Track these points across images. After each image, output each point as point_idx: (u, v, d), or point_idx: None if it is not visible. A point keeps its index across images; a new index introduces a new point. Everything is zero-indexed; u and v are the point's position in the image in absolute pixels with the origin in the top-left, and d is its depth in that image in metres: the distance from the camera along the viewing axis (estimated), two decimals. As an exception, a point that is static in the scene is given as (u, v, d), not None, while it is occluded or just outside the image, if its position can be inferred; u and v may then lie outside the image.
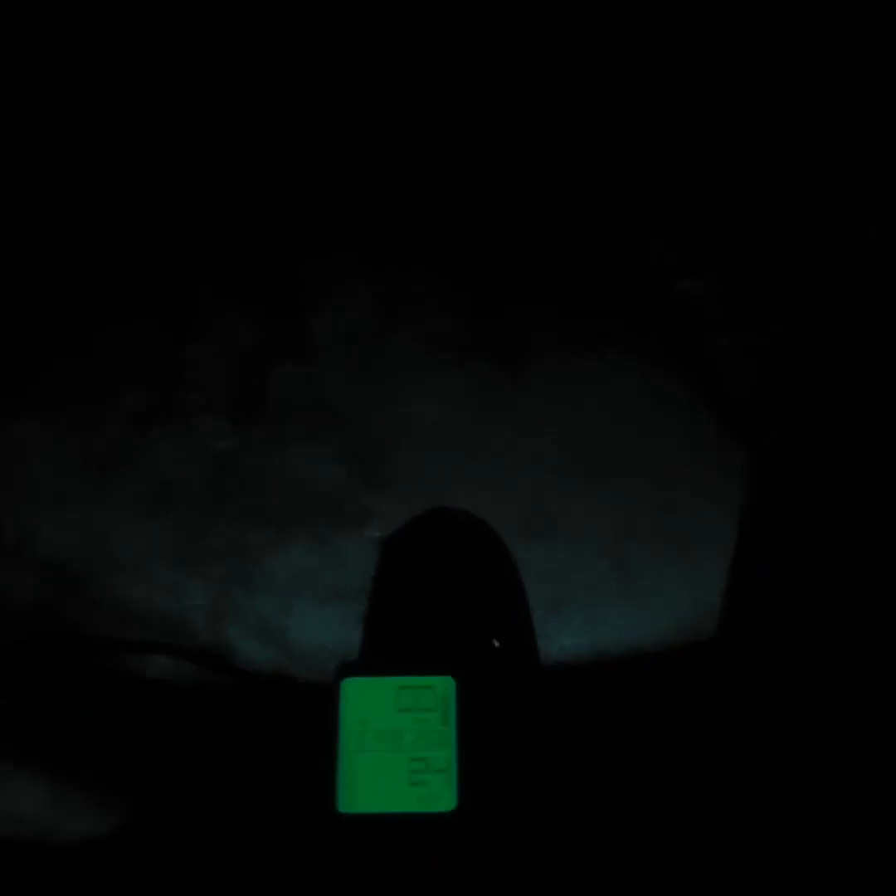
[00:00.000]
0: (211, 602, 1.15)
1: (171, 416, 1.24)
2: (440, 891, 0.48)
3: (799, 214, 1.34)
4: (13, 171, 1.33)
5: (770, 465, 1.17)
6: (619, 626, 1.16)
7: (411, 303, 1.32)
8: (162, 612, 1.12)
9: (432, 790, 0.51)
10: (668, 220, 1.37)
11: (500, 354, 1.29)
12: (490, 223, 1.37)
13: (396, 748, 0.53)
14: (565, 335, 1.31)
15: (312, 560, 1.19)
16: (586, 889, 0.57)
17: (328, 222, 1.38)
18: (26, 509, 1.17)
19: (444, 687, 0.54)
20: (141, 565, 1.15)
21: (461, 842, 0.50)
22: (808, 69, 1.38)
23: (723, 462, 1.23)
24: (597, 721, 0.71)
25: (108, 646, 0.84)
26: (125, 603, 1.12)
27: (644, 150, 1.39)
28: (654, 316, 1.32)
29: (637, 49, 1.41)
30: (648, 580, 1.20)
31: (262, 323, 1.30)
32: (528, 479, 1.24)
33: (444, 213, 1.38)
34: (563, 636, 1.16)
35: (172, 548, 1.16)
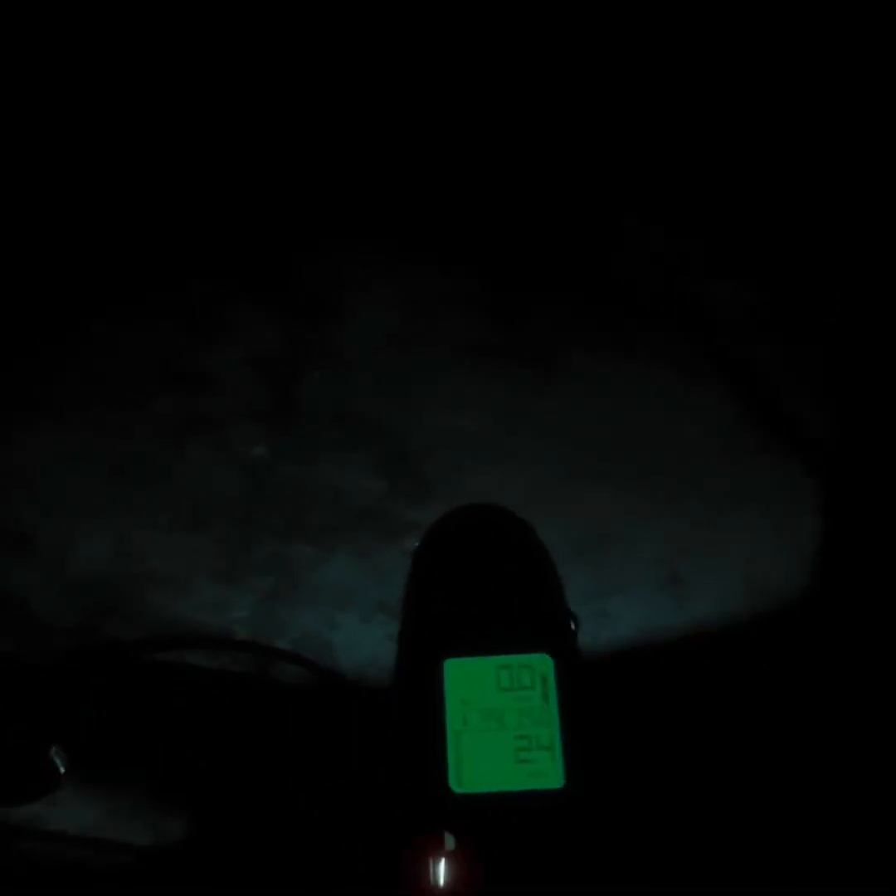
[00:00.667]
0: (254, 617, 1.12)
1: (203, 425, 1.21)
2: (551, 868, 0.47)
3: (806, 219, 1.34)
4: (40, 178, 1.33)
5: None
6: (668, 632, 1.14)
7: (439, 307, 1.31)
8: (205, 628, 1.09)
9: (539, 767, 0.50)
10: (689, 221, 1.37)
11: (531, 360, 1.28)
12: (514, 222, 1.38)
13: (500, 727, 0.51)
14: (595, 338, 1.30)
15: (356, 573, 1.16)
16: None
17: (351, 227, 1.38)
18: (58, 524, 1.13)
19: (542, 664, 0.53)
20: (181, 580, 1.12)
21: (570, 818, 0.48)
22: (810, 76, 1.39)
23: (763, 470, 1.21)
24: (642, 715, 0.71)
25: (168, 647, 0.81)
26: (166, 620, 1.09)
27: (664, 158, 1.40)
28: (684, 319, 1.31)
29: (648, 57, 1.43)
30: (701, 594, 1.17)
31: (290, 328, 1.29)
32: (572, 490, 1.22)
33: (465, 213, 1.38)
34: (611, 647, 1.14)
35: (212, 561, 1.13)
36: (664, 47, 1.43)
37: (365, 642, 1.12)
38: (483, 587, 0.64)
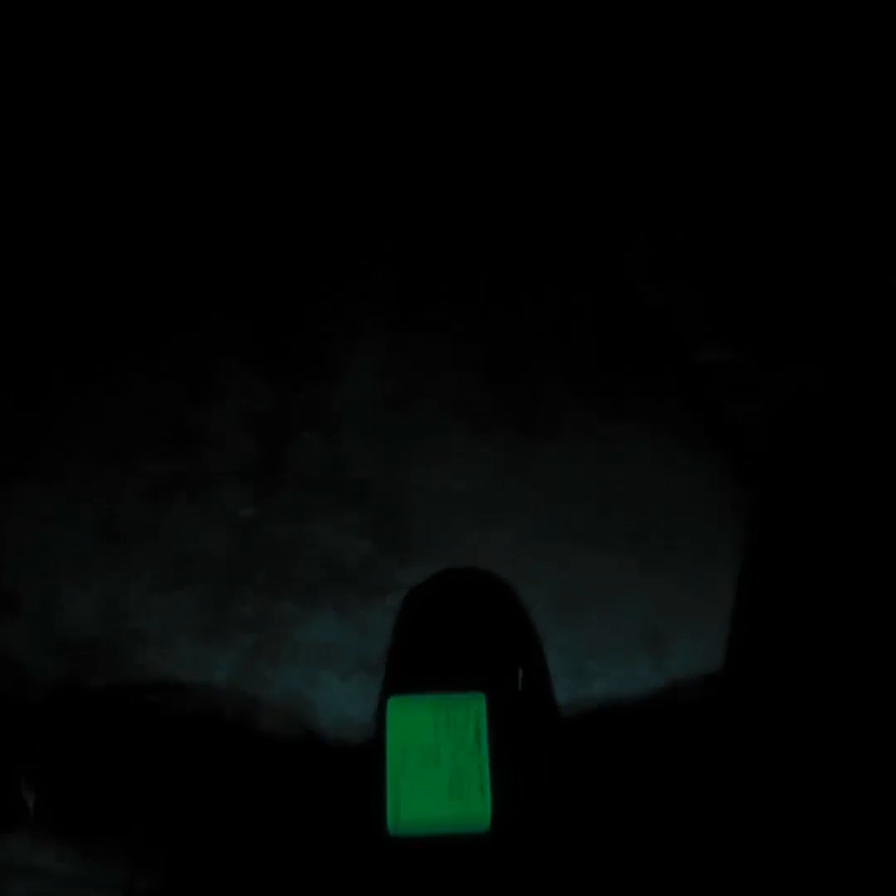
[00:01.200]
0: (236, 675, 1.12)
1: (193, 483, 1.24)
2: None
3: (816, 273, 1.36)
4: (34, 241, 1.36)
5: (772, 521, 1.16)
6: (644, 690, 1.13)
7: (430, 367, 1.33)
8: (187, 685, 1.10)
9: (470, 808, 0.51)
10: (690, 282, 1.39)
11: (520, 419, 1.30)
12: (506, 286, 1.39)
13: (436, 764, 0.52)
14: (584, 398, 1.32)
15: (338, 631, 1.17)
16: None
17: (345, 286, 1.40)
18: (45, 580, 1.15)
19: (475, 704, 0.55)
20: (165, 638, 1.13)
21: (497, 858, 0.49)
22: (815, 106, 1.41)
23: (749, 528, 1.22)
24: (612, 760, 0.71)
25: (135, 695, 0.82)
26: (150, 677, 1.10)
27: (665, 208, 1.42)
28: (673, 379, 1.32)
29: (654, 89, 1.45)
30: (678, 651, 1.17)
31: (281, 387, 1.31)
32: (556, 547, 1.23)
33: (458, 276, 1.39)
34: (587, 702, 1.13)
35: (197, 620, 1.15)
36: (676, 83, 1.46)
37: (345, 701, 1.12)
38: (440, 636, 0.67)
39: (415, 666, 0.63)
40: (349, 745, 1.06)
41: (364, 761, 0.56)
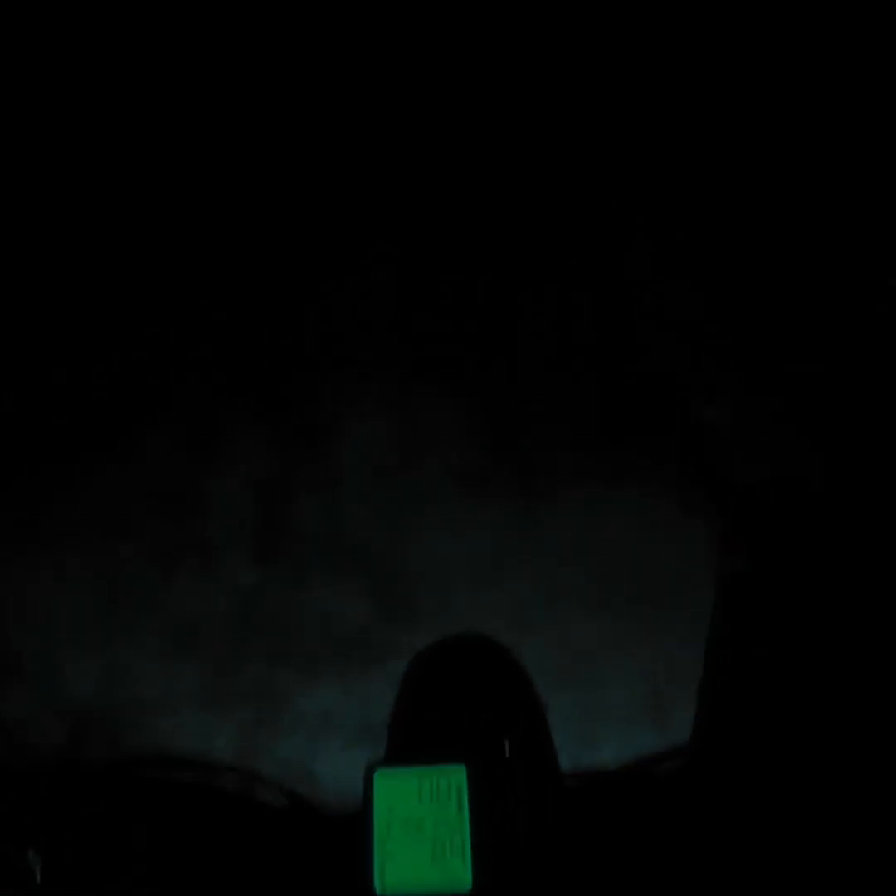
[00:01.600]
0: (237, 744, 1.12)
1: (195, 551, 1.24)
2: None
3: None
4: (36, 311, 1.36)
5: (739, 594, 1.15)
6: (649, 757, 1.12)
7: (429, 431, 1.34)
8: (188, 753, 1.10)
9: (453, 874, 0.52)
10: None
11: (522, 486, 1.31)
12: (505, 349, 1.39)
13: (419, 834, 0.54)
14: (584, 463, 1.32)
15: (340, 699, 1.16)
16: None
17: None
18: (48, 649, 1.16)
19: (456, 775, 0.57)
20: (166, 706, 1.13)
21: None
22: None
23: (750, 590, 1.21)
24: (611, 829, 0.71)
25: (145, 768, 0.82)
26: (150, 745, 1.10)
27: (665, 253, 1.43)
28: (673, 443, 1.33)
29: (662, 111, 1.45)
30: (683, 718, 1.16)
31: (283, 451, 1.32)
32: (557, 611, 1.23)
33: (459, 341, 1.39)
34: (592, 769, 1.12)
35: (198, 687, 1.15)
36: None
37: (347, 771, 1.11)
38: (434, 705, 0.68)
39: (407, 735, 0.65)
40: (350, 815, 1.05)
41: (355, 827, 0.58)
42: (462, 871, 0.53)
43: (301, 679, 1.17)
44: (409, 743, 0.67)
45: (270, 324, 1.40)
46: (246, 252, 1.43)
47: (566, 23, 1.49)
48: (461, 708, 0.69)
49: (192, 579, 1.23)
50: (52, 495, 1.28)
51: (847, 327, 1.34)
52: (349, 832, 0.64)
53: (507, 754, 0.61)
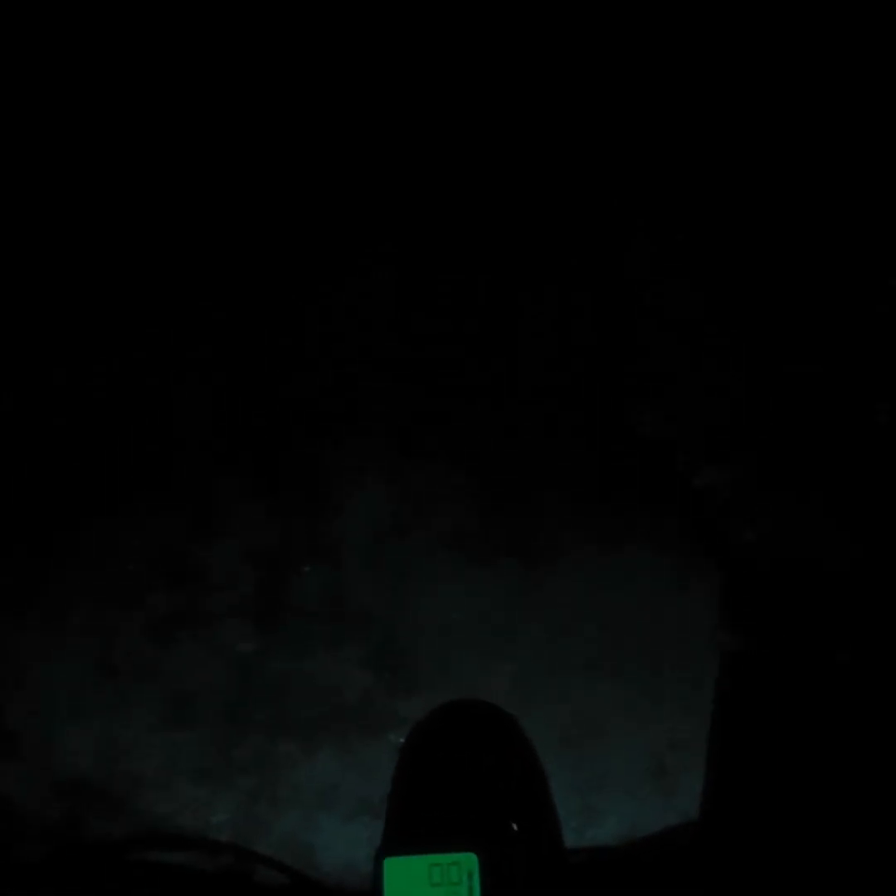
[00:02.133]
0: (235, 818, 1.10)
1: (193, 620, 1.23)
2: None
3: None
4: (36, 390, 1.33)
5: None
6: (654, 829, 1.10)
7: (427, 496, 1.32)
8: (186, 829, 1.08)
9: None
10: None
11: (521, 550, 1.29)
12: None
13: None
14: (583, 526, 1.31)
15: (340, 771, 1.15)
16: None
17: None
18: (44, 720, 1.14)
19: (467, 862, 0.57)
20: (163, 780, 1.11)
21: None
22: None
23: (752, 654, 1.20)
24: None
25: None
26: (148, 821, 1.08)
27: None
28: (672, 503, 1.32)
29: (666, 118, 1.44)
30: (688, 787, 1.14)
31: (281, 519, 1.30)
32: (558, 678, 1.22)
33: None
34: (597, 842, 1.10)
35: (196, 761, 1.13)
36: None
37: (346, 844, 1.10)
38: (439, 782, 0.68)
39: (413, 818, 0.64)
40: (350, 891, 1.02)
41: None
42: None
43: (300, 751, 1.15)
44: (412, 820, 0.66)
45: (270, 324, 1.39)
46: (246, 252, 1.42)
47: (566, 23, 1.48)
48: (464, 781, 0.69)
49: (189, 649, 1.21)
50: (49, 563, 1.26)
51: (847, 327, 1.34)
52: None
53: (514, 835, 0.61)
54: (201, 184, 1.44)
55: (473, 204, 1.43)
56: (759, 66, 1.45)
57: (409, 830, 0.64)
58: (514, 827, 0.62)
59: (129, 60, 1.46)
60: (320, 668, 1.21)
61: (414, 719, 1.10)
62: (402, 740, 1.10)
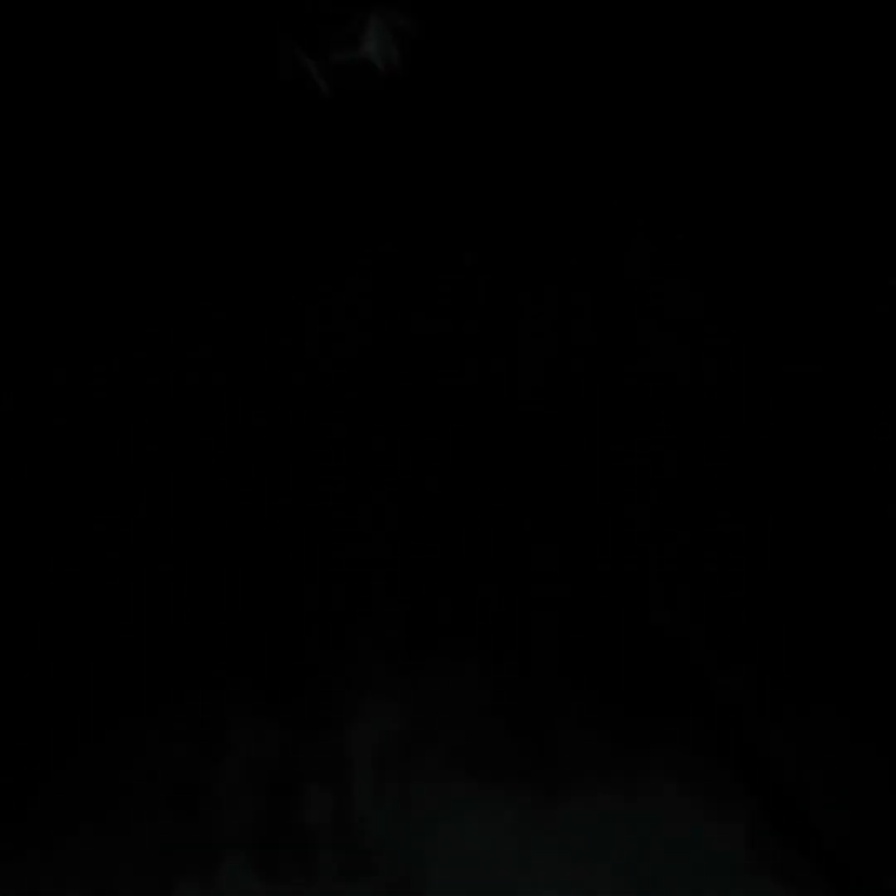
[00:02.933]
0: None
1: (194, 856, 1.14)
2: None
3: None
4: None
5: None
6: None
7: (440, 713, 1.24)
8: None
9: None
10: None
11: (537, 770, 1.21)
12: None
13: None
14: (605, 746, 1.22)
15: None
16: None
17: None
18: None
19: None
20: None
21: None
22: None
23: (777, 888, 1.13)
24: None
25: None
26: None
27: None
28: (696, 721, 1.23)
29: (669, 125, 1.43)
30: None
31: (289, 736, 1.23)
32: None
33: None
34: None
35: None
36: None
37: None
38: None
39: None
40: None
41: None
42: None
43: None
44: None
45: (270, 324, 1.39)
46: (246, 252, 1.41)
47: (566, 23, 1.44)
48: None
49: (189, 889, 1.13)
50: (41, 791, 1.19)
51: (847, 327, 1.33)
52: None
53: None
54: (201, 184, 1.41)
55: (473, 204, 1.40)
56: (759, 66, 1.40)
57: None
58: None
59: (129, 60, 1.43)
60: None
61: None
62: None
